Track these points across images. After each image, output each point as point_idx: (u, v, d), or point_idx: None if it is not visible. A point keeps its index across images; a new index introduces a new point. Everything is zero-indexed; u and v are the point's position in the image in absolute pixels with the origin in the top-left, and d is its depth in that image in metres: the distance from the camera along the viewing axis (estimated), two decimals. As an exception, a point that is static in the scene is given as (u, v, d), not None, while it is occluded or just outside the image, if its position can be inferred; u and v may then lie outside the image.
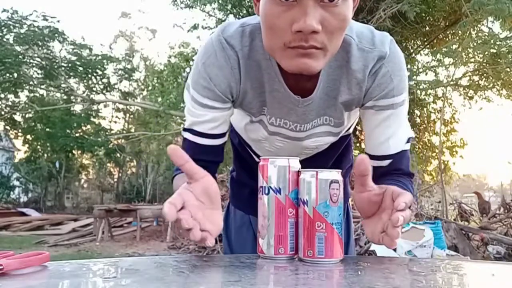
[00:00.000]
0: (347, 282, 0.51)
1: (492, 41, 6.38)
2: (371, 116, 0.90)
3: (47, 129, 18.14)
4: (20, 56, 12.88)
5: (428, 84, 7.74)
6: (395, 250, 4.77)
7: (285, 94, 0.86)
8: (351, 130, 1.10)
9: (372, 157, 0.89)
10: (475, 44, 6.70)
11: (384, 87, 0.86)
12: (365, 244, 5.37)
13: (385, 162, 0.90)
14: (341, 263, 0.61)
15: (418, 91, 7.95)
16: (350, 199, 1.21)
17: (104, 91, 15.06)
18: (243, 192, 1.16)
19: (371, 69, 0.85)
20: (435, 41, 8.02)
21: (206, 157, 0.89)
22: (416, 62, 8.47)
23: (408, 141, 0.92)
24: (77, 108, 17.46)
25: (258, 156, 1.06)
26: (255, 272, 0.56)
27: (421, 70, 8.14)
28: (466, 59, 7.36)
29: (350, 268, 0.59)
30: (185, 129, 0.94)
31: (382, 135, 0.90)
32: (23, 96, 15.55)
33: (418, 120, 9.12)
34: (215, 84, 0.86)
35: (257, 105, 0.91)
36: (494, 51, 6.56)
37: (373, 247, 4.98)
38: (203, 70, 0.87)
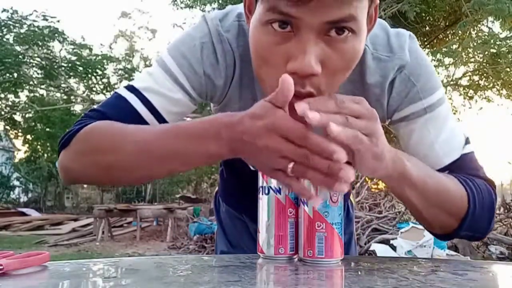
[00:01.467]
0: (347, 282, 0.51)
1: (492, 41, 6.37)
2: (405, 130, 0.75)
3: (47, 129, 18.13)
4: (20, 56, 12.88)
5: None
6: (395, 249, 4.78)
7: None
8: None
9: None
10: (475, 44, 6.69)
11: (406, 93, 0.72)
12: (365, 244, 5.37)
13: None
14: (341, 263, 0.61)
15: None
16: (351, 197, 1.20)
17: (104, 91, 15.05)
18: (233, 195, 1.12)
19: (390, 81, 0.71)
20: (435, 41, 8.03)
21: None
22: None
23: (466, 143, 0.75)
24: (77, 108, 17.44)
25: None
26: (255, 272, 0.56)
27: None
28: (466, 59, 7.36)
29: (350, 268, 0.59)
30: (129, 88, 0.72)
31: (424, 145, 0.73)
32: (23, 96, 15.56)
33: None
34: (205, 72, 0.72)
35: None
36: (494, 51, 6.56)
37: (373, 247, 4.99)
38: (199, 47, 0.71)
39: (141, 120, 0.70)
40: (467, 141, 0.75)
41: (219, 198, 1.19)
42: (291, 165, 0.53)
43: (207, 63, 0.71)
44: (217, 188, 1.23)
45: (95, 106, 0.74)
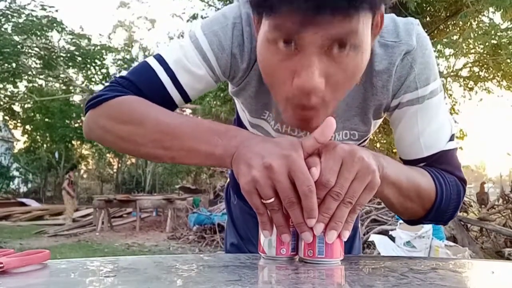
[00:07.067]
0: (347, 281, 0.51)
1: (492, 32, 6.35)
2: (396, 116, 0.79)
3: (46, 120, 18.16)
4: (18, 46, 12.84)
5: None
6: (393, 240, 4.80)
7: None
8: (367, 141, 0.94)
9: (405, 163, 0.79)
10: (475, 35, 6.67)
11: (405, 79, 0.74)
12: (364, 235, 5.39)
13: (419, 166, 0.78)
14: (341, 263, 0.61)
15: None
16: None
17: (103, 81, 15.03)
18: None
19: (397, 65, 0.73)
20: (435, 31, 7.98)
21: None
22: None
23: (451, 139, 0.78)
24: (76, 98, 17.45)
25: None
26: (255, 271, 0.56)
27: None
28: (467, 50, 7.34)
29: (350, 267, 0.59)
30: (159, 59, 0.76)
31: (410, 136, 0.77)
32: (22, 86, 15.54)
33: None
34: (232, 52, 0.74)
35: (258, 104, 0.81)
36: (495, 42, 6.54)
37: (372, 238, 5.01)
38: (230, 27, 0.74)
39: (165, 92, 0.75)
40: (451, 138, 0.78)
41: (230, 190, 1.18)
42: (272, 199, 0.56)
43: (235, 43, 0.74)
44: (228, 180, 1.22)
45: (124, 73, 0.79)
